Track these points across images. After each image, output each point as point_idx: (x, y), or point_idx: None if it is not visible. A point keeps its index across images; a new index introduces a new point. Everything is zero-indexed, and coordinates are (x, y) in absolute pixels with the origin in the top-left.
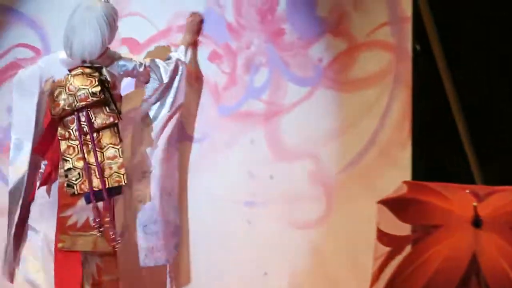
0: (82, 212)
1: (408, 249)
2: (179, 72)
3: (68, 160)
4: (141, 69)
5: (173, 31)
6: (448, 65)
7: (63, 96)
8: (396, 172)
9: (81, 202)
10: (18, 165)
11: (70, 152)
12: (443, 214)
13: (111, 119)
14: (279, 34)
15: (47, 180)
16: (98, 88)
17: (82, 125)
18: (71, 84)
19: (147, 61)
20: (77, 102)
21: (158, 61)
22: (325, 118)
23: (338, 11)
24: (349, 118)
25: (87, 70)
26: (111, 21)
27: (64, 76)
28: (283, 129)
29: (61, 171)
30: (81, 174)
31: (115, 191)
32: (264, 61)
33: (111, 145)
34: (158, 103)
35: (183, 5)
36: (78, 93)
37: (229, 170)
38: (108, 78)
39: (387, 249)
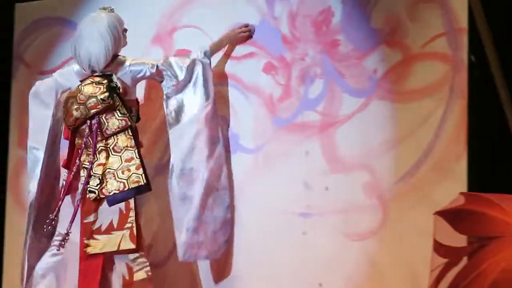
0: (105, 216)
1: (464, 260)
2: (198, 69)
3: (87, 168)
4: (154, 70)
5: None
6: (504, 76)
7: (75, 106)
8: (452, 184)
9: (103, 206)
10: (37, 173)
11: (89, 160)
12: (500, 226)
13: (123, 123)
14: (334, 45)
15: (70, 190)
16: (107, 94)
17: (97, 131)
18: (81, 93)
19: (160, 62)
20: (88, 111)
21: (171, 59)
22: (380, 129)
23: (393, 22)
24: (404, 129)
25: (97, 79)
26: (114, 31)
27: (76, 87)
28: (338, 141)
29: (82, 178)
30: (101, 179)
31: (135, 191)
32: (319, 72)
33: (127, 148)
34: (187, 100)
35: (237, 17)
36: (88, 102)
37: (284, 181)
38: (119, 84)
39: (444, 260)
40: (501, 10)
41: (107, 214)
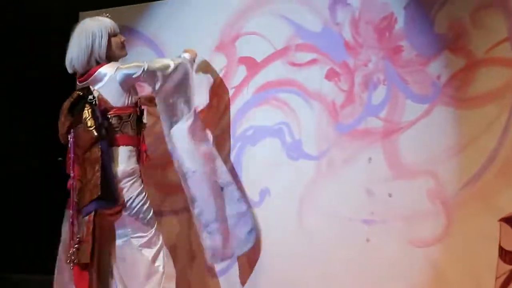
0: (82, 226)
1: None
2: (180, 73)
3: (81, 180)
4: (142, 75)
5: (291, 50)
6: None
7: (61, 120)
8: None
9: (81, 218)
10: None
11: (79, 173)
12: None
13: (89, 135)
14: (397, 51)
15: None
16: (69, 108)
17: (73, 145)
18: (65, 108)
19: (145, 66)
20: (63, 126)
21: (155, 63)
22: (444, 135)
23: (456, 28)
24: (468, 135)
25: (75, 93)
26: (89, 38)
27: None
28: (401, 147)
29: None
30: (80, 191)
31: (96, 204)
32: (382, 78)
33: (97, 161)
34: (175, 106)
35: (300, 23)
36: (62, 118)
37: (347, 188)
38: (94, 96)
39: (510, 267)
40: None
41: (82, 224)
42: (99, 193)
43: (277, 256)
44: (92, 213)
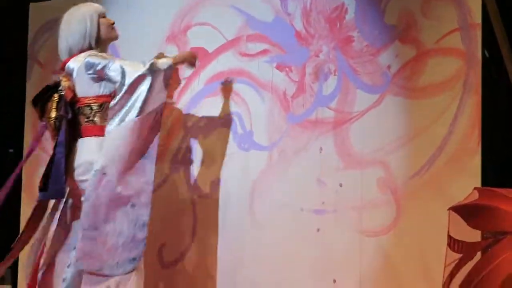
0: None
1: (479, 255)
2: (145, 84)
3: None
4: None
5: (242, 40)
6: None
7: None
8: (466, 179)
9: None
10: None
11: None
12: None
13: (51, 126)
14: (348, 41)
15: None
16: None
17: (41, 134)
18: None
19: (117, 61)
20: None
21: (125, 66)
22: (394, 125)
23: (407, 18)
24: (418, 125)
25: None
26: (67, 24)
27: None
28: (352, 137)
29: None
30: None
31: (40, 194)
32: (333, 69)
33: None
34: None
35: (251, 13)
36: None
37: (298, 178)
38: (62, 86)
39: (458, 255)
40: None
41: None
42: (39, 185)
43: (229, 247)
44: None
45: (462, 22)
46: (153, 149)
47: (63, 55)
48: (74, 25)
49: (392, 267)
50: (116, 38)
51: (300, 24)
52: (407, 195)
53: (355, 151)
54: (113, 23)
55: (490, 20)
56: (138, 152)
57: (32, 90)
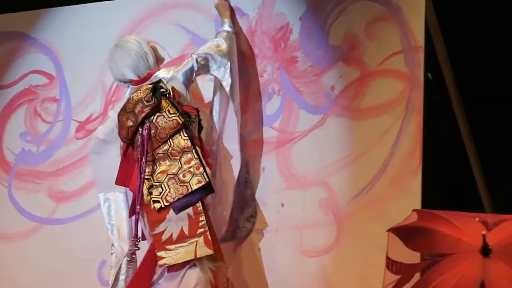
0: (174, 224)
1: (417, 277)
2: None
3: (149, 178)
4: (196, 69)
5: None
6: (459, 93)
7: (125, 116)
8: (407, 200)
9: (170, 214)
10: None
11: (148, 170)
12: (452, 243)
13: (175, 123)
14: (292, 62)
15: (135, 209)
16: (150, 94)
17: (148, 136)
18: (129, 102)
19: (197, 59)
20: (137, 116)
21: (207, 57)
22: (337, 145)
23: (351, 40)
24: (361, 146)
25: (144, 86)
26: (142, 46)
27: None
28: (295, 157)
29: (145, 192)
30: (163, 186)
31: (200, 192)
32: (277, 88)
33: (184, 150)
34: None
35: (196, 32)
36: (136, 108)
37: None
38: (168, 88)
39: (396, 277)
40: (458, 29)
41: (176, 221)
42: (207, 179)
43: None
44: (199, 204)
45: (405, 45)
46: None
47: (123, 76)
48: (134, 50)
49: (333, 287)
50: (162, 60)
51: (245, 43)
52: (349, 216)
53: (298, 171)
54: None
55: (433, 43)
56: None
57: None
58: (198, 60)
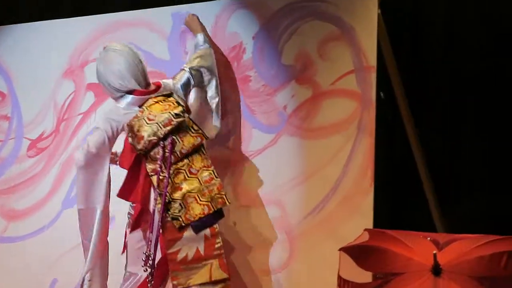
0: (190, 243)
1: None
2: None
3: (163, 193)
4: (193, 82)
5: None
6: (411, 113)
7: (145, 127)
8: (359, 219)
9: (188, 233)
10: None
11: (165, 185)
12: (404, 262)
13: (199, 140)
14: (245, 81)
15: (139, 223)
16: (180, 108)
17: (171, 151)
18: (150, 113)
19: (191, 72)
20: (161, 128)
21: (200, 71)
22: (289, 165)
23: (304, 59)
24: (313, 165)
25: (160, 98)
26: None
27: (137, 112)
28: (247, 176)
29: (158, 207)
30: (182, 204)
31: (220, 214)
32: (229, 108)
33: (203, 168)
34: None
35: (150, 51)
36: (161, 119)
37: None
38: (181, 102)
39: None
40: (410, 49)
41: (192, 241)
42: (229, 202)
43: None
44: (216, 225)
45: (357, 64)
46: None
47: (121, 81)
48: (131, 57)
49: None
50: None
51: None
52: (301, 235)
53: (250, 190)
54: None
55: (385, 63)
56: None
57: None
58: (193, 73)
